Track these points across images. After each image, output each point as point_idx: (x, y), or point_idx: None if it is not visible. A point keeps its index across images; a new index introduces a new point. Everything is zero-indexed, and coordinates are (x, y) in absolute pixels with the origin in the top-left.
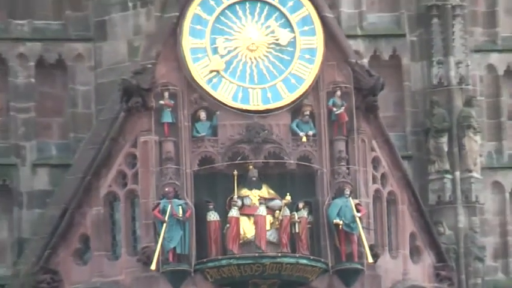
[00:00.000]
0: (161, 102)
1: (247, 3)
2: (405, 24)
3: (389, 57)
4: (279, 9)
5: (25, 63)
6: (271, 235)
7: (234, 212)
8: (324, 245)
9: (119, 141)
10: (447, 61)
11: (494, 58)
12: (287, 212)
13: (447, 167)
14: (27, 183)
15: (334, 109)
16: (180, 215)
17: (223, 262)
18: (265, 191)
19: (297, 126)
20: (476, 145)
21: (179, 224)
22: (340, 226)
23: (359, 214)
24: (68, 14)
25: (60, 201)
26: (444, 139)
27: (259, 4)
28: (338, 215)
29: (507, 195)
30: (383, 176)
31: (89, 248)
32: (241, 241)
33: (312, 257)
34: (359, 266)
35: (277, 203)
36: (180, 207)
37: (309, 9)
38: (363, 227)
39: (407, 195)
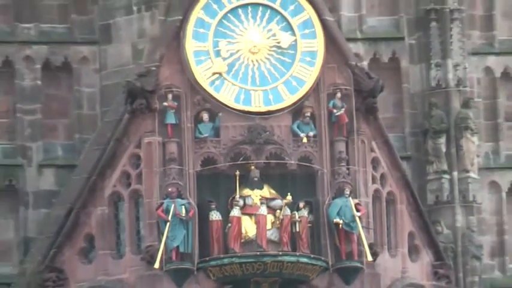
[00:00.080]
0: (165, 104)
1: (249, 7)
2: (404, 27)
3: (388, 59)
4: (280, 13)
5: (31, 65)
6: (272, 234)
7: (235, 212)
8: (324, 244)
9: (123, 142)
10: (445, 64)
11: (491, 61)
12: (288, 211)
13: (445, 167)
14: (33, 183)
15: (335, 111)
16: (183, 215)
17: (226, 261)
18: (266, 191)
19: (298, 127)
20: (474, 146)
21: (182, 223)
22: (340, 225)
23: (359, 213)
24: (74, 18)
25: (65, 201)
26: (442, 140)
27: (261, 8)
28: (338, 214)
29: (504, 194)
30: (382, 176)
31: (93, 247)
32: (242, 240)
33: (312, 256)
34: (359, 265)
35: (278, 202)
36: (183, 206)
37: (309, 12)
38: (362, 226)
39: (406, 195)
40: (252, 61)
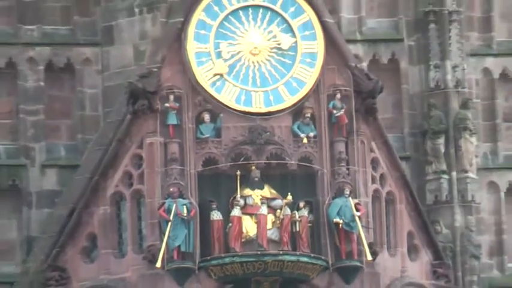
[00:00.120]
0: (166, 104)
1: (250, 9)
2: (403, 29)
3: (388, 61)
4: (280, 15)
5: (34, 67)
6: (272, 233)
7: (236, 212)
8: (324, 243)
9: (126, 143)
10: (444, 65)
11: (489, 62)
12: (288, 211)
13: (444, 167)
14: (36, 183)
15: (335, 111)
16: (185, 214)
17: (227, 260)
18: (267, 191)
19: (298, 128)
20: (472, 146)
21: (184, 223)
22: (340, 225)
23: (358, 213)
24: (76, 20)
25: (68, 201)
26: (441, 140)
27: (261, 10)
28: (338, 214)
29: (502, 194)
30: (382, 176)
31: (96, 246)
32: (243, 239)
33: (312, 255)
34: (358, 264)
35: (278, 202)
36: (184, 206)
37: (309, 14)
38: (362, 226)
39: (405, 195)
40: (253, 62)
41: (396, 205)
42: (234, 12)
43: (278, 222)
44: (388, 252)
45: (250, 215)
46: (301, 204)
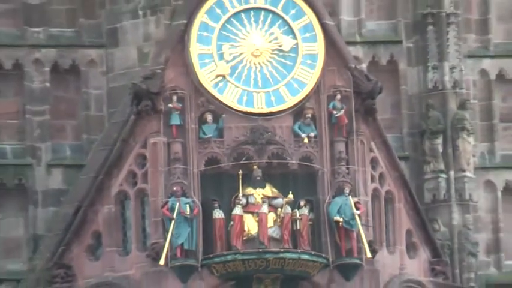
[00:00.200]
0: (170, 105)
1: (251, 12)
2: (402, 31)
3: (387, 62)
4: (282, 17)
5: (40, 68)
6: (274, 231)
7: (237, 210)
8: (325, 241)
9: (130, 143)
10: (442, 66)
11: (486, 63)
12: (288, 209)
13: (442, 167)
14: (42, 182)
15: (335, 112)
16: (188, 213)
17: (229, 257)
18: (268, 190)
19: (299, 128)
20: (470, 146)
21: (187, 221)
22: (340, 223)
23: (358, 212)
24: (82, 22)
25: (73, 200)
26: (439, 140)
27: (263, 12)
28: (338, 212)
29: (499, 193)
30: (381, 175)
31: (100, 244)
32: (245, 237)
33: (313, 253)
34: (358, 261)
35: (280, 201)
36: (187, 205)
37: (310, 17)
38: (361, 224)
39: (404, 194)
40: (255, 64)
41: (395, 204)
42: (236, 15)
43: (279, 220)
44: (387, 249)
45: (252, 213)
46: (302, 202)
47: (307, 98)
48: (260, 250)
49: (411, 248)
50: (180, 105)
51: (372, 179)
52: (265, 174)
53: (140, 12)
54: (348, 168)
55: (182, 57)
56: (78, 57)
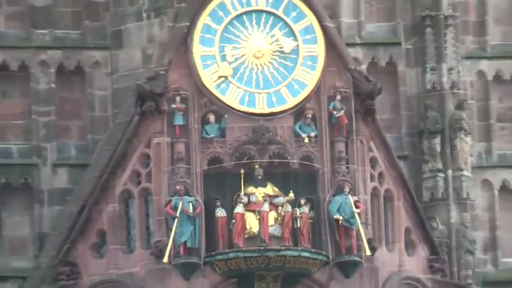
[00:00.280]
0: (173, 106)
1: (253, 14)
2: (401, 33)
3: (386, 64)
4: (283, 19)
5: (46, 69)
6: (275, 230)
7: (239, 209)
8: (325, 239)
9: (134, 143)
10: (440, 67)
11: (483, 65)
12: (289, 208)
13: (440, 166)
14: (48, 181)
15: (335, 112)
16: (191, 211)
17: (231, 255)
18: (270, 189)
19: (300, 128)
20: (467, 146)
21: (190, 219)
22: (340, 221)
23: (358, 210)
24: (87, 24)
25: (78, 199)
26: (437, 140)
27: (264, 14)
28: (338, 211)
29: (496, 192)
30: (380, 174)
31: (105, 242)
32: (246, 235)
33: (313, 250)
34: (358, 259)
35: (281, 199)
36: (190, 204)
37: (311, 19)
38: (361, 222)
39: (402, 193)
40: (256, 65)
41: (394, 202)
42: (238, 17)
43: (280, 218)
44: (386, 247)
45: (253, 211)
46: (302, 201)
47: (307, 98)
48: (261, 248)
49: (410, 246)
50: (183, 105)
51: (372, 178)
52: (267, 173)
53: (144, 15)
54: (347, 168)
55: (185, 58)
56: (83, 58)
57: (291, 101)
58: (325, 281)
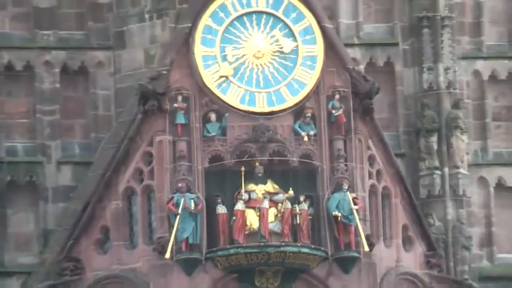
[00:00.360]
0: (175, 105)
1: (253, 15)
2: (398, 33)
3: (383, 64)
4: (282, 21)
5: (50, 69)
6: (275, 226)
7: (239, 206)
8: (324, 235)
9: (136, 141)
10: (436, 67)
11: (479, 65)
12: (288, 205)
13: (437, 164)
14: (52, 179)
15: (333, 111)
16: (192, 208)
17: (232, 251)
18: (270, 186)
19: (299, 126)
20: (463, 144)
21: (191, 216)
22: (339, 218)
23: (356, 207)
24: (90, 25)
25: (82, 196)
26: (434, 138)
27: (264, 16)
28: (337, 207)
29: (491, 189)
30: (378, 172)
31: (108, 238)
32: (247, 232)
33: (313, 246)
34: (356, 254)
35: (280, 196)
36: (192, 200)
37: (310, 20)
38: (359, 219)
39: (400, 190)
40: (257, 65)
41: (392, 199)
42: (238, 18)
43: (280, 215)
44: (384, 243)
45: (254, 208)
46: (302, 198)
47: (307, 97)
48: (262, 244)
49: (407, 242)
50: (185, 104)
51: (370, 176)
52: (267, 171)
53: (146, 16)
54: (346, 165)
55: (187, 59)
56: (86, 59)
57: (291, 100)
58: (324, 277)
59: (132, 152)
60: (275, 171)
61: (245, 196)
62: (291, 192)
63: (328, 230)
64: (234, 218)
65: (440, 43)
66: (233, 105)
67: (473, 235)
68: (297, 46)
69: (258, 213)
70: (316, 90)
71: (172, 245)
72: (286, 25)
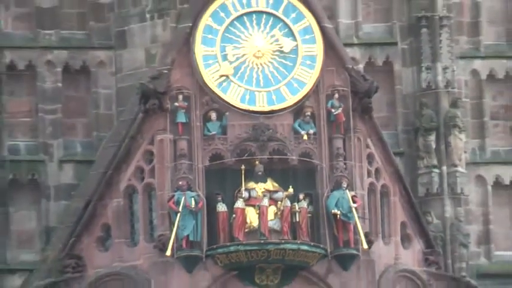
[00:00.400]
0: (176, 104)
1: (254, 15)
2: (397, 33)
3: (382, 63)
4: (282, 20)
5: (52, 69)
6: (275, 224)
7: (239, 204)
8: (323, 233)
9: (137, 140)
10: (435, 67)
11: (477, 64)
12: (288, 203)
13: (435, 162)
14: (55, 177)
15: (333, 110)
16: (193, 206)
17: (232, 248)
18: (270, 184)
19: (299, 125)
20: (461, 142)
21: (192, 214)
22: (338, 216)
23: (355, 205)
24: (92, 25)
25: (84, 194)
26: (432, 137)
27: (264, 15)
28: (336, 205)
29: (489, 187)
30: (377, 170)
31: (110, 236)
32: (247, 229)
33: (312, 244)
34: (355, 252)
35: (280, 194)
36: (192, 198)
37: (309, 20)
38: (358, 217)
39: (398, 188)
40: (257, 64)
41: (390, 197)
42: (239, 18)
43: (279, 213)
44: (383, 241)
45: (254, 206)
46: (301, 196)
47: (306, 97)
48: (261, 241)
49: (405, 239)
50: (186, 103)
51: (368, 174)
52: (267, 169)
53: (147, 16)
54: (345, 164)
55: (187, 58)
56: (88, 58)
57: (291, 99)
58: (324, 274)
59: (133, 151)
60: (275, 170)
61: (245, 194)
62: (290, 190)
63: (327, 227)
64: (234, 215)
65: (439, 43)
66: (233, 104)
67: (471, 233)
68: (296, 45)
69: (258, 211)
70: (315, 90)
71: (173, 243)
72: (286, 25)
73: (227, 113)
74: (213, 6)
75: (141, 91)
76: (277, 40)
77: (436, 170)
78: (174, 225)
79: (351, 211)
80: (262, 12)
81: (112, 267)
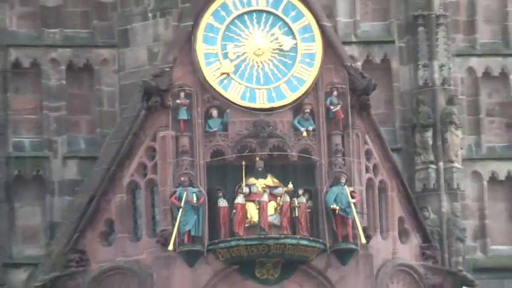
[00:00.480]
0: (177, 101)
1: (254, 14)
2: (395, 31)
3: (380, 61)
4: (282, 19)
5: (57, 67)
6: (275, 219)
7: (240, 199)
8: (322, 228)
9: (140, 136)
10: (432, 64)
11: (473, 62)
12: (287, 198)
13: (432, 158)
14: (59, 173)
15: (332, 107)
16: (194, 202)
17: (232, 243)
18: (270, 180)
19: (299, 122)
20: (458, 139)
21: (193, 209)
22: (337, 211)
23: (353, 200)
24: (95, 24)
25: (87, 190)
26: (429, 134)
27: (264, 14)
28: (335, 201)
29: (485, 183)
30: (375, 166)
31: (113, 231)
32: (247, 224)
33: (311, 238)
34: (353, 246)
35: (280, 190)
36: (194, 194)
37: (309, 18)
38: (357, 212)
39: (396, 184)
40: (257, 62)
41: (388, 193)
42: (239, 17)
43: (279, 208)
44: (381, 235)
45: (254, 202)
46: (301, 191)
47: (306, 94)
48: (262, 236)
49: (403, 234)
50: (187, 101)
51: (367, 170)
52: (267, 165)
53: (150, 15)
54: (344, 160)
55: (189, 56)
56: (92, 56)
57: (290, 97)
58: (323, 268)
59: (136, 147)
60: (275, 166)
61: (245, 190)
62: (290, 186)
63: (326, 222)
64: (234, 211)
65: (435, 41)
66: (234, 102)
67: (467, 227)
68: (296, 44)
69: (258, 207)
70: (314, 87)
71: (175, 238)
72: (285, 23)
73: (228, 110)
74: (214, 5)
75: (143, 89)
76: (277, 38)
77: (433, 166)
78: (176, 221)
79: (349, 206)
80: (262, 11)
81: (115, 262)
